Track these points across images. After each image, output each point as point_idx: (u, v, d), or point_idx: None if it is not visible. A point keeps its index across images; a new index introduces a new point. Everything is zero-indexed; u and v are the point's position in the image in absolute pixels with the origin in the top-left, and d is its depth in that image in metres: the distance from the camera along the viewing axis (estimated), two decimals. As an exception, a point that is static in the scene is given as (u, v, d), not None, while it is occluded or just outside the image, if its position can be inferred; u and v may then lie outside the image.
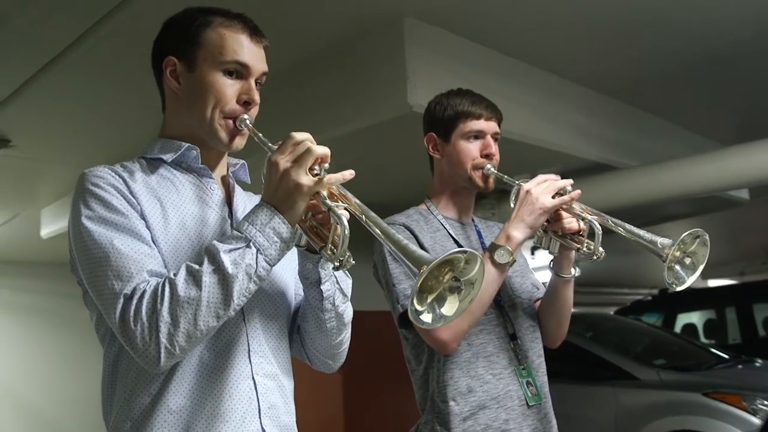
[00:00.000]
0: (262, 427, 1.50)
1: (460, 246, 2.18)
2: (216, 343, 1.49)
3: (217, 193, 1.63)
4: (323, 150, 1.41)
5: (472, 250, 1.36)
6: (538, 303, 2.32)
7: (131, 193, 1.48)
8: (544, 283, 2.35)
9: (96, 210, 1.43)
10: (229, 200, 1.66)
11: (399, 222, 2.14)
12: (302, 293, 1.66)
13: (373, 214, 1.42)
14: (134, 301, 1.33)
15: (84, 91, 3.92)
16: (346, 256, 1.38)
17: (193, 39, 1.57)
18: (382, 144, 4.27)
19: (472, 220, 2.36)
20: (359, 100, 3.85)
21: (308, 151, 1.39)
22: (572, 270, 2.19)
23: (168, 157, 1.60)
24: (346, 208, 1.40)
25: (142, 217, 1.46)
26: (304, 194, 1.39)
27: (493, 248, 2.02)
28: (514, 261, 2.03)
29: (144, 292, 1.34)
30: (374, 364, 6.15)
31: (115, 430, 1.47)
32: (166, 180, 1.58)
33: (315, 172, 1.41)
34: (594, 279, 12.43)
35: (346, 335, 1.69)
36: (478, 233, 2.32)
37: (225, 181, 1.71)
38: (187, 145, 1.59)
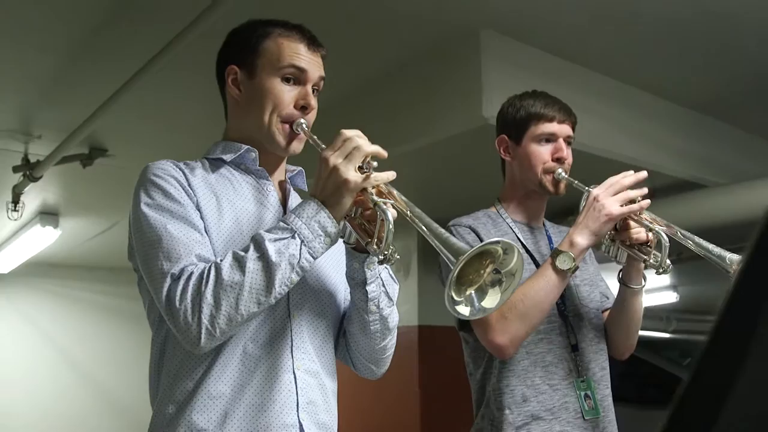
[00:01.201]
0: (300, 422, 1.54)
1: (528, 251, 2.18)
2: (260, 335, 1.55)
3: (273, 194, 1.71)
4: (373, 148, 1.48)
5: (507, 240, 1.39)
6: (607, 313, 2.27)
7: (189, 185, 1.58)
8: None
9: (155, 198, 1.53)
10: (284, 203, 1.73)
11: (465, 224, 2.15)
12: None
13: (418, 210, 1.47)
14: (181, 282, 1.41)
15: (177, 97, 4.11)
16: (391, 251, 1.43)
17: (254, 48, 1.67)
18: (457, 157, 4.28)
19: (543, 224, 2.34)
20: (434, 113, 3.88)
21: (357, 148, 1.45)
22: (642, 280, 2.13)
23: (228, 157, 1.69)
24: (392, 205, 1.45)
25: (198, 208, 1.55)
26: (351, 190, 1.44)
27: (555, 254, 1.99)
28: (577, 268, 2.00)
29: (191, 273, 1.42)
30: (454, 381, 6.08)
31: (159, 412, 1.54)
32: (224, 178, 1.67)
33: (363, 169, 1.47)
34: (698, 306, 12.00)
35: (391, 341, 1.74)
36: (548, 238, 2.30)
37: (282, 186, 1.79)
38: (247, 147, 1.68)
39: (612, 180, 2.02)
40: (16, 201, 5.19)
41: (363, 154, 1.45)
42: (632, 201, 2.00)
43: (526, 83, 3.64)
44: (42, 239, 6.54)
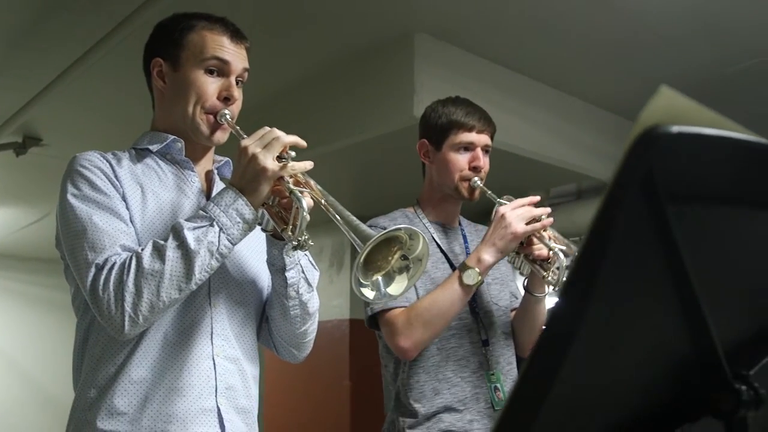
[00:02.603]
0: (218, 406, 1.59)
1: (442, 251, 2.27)
2: (181, 322, 1.59)
3: (196, 184, 1.75)
4: (292, 138, 1.53)
5: (411, 227, 1.48)
6: (514, 313, 2.39)
7: (116, 176, 1.61)
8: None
9: (81, 189, 1.56)
10: (208, 193, 1.77)
11: (381, 225, 2.21)
12: None
13: (332, 198, 1.54)
14: (104, 272, 1.45)
15: (114, 88, 4.07)
16: (305, 237, 1.48)
17: (178, 41, 1.70)
18: (388, 155, 4.39)
19: (460, 224, 2.42)
20: (368, 112, 3.98)
21: (277, 138, 1.51)
22: (544, 290, 2.24)
23: (154, 147, 1.72)
24: (308, 194, 1.50)
25: (124, 198, 1.59)
26: (269, 178, 1.50)
27: (463, 268, 2.07)
28: (482, 282, 2.09)
29: (114, 263, 1.46)
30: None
31: (80, 396, 1.58)
32: (150, 168, 1.71)
33: (282, 159, 1.52)
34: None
35: (311, 326, 1.79)
36: (464, 237, 2.38)
37: (209, 176, 1.82)
38: (173, 137, 1.72)
39: (520, 201, 2.12)
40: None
41: (282, 143, 1.51)
42: (537, 220, 2.10)
43: (457, 85, 3.77)
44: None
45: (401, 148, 3.83)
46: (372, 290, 1.50)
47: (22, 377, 8.48)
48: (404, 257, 1.51)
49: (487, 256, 2.06)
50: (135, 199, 1.61)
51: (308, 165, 1.55)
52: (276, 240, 1.63)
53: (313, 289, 1.74)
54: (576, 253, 1.91)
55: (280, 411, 6.10)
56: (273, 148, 1.50)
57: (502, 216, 2.08)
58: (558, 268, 2.10)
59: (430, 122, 2.30)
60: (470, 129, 2.23)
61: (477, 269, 2.05)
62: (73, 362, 1.65)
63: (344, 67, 4.09)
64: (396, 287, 1.52)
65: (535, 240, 2.14)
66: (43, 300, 8.42)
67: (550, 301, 2.32)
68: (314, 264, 1.77)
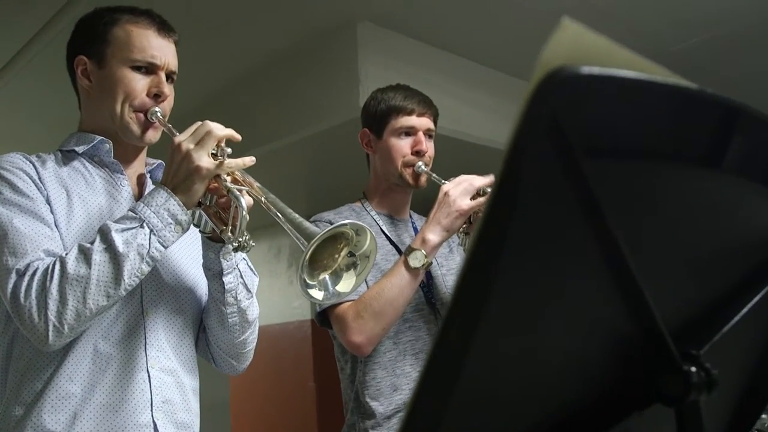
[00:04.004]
0: (154, 421, 1.50)
1: (392, 242, 2.20)
2: (111, 333, 1.50)
3: (126, 188, 1.66)
4: (226, 131, 1.45)
5: (357, 222, 1.40)
6: None
7: (39, 178, 1.51)
8: None
9: (2, 192, 1.46)
10: (140, 197, 1.68)
11: (326, 219, 2.13)
12: None
13: (272, 196, 1.47)
14: (26, 278, 1.35)
15: (46, 89, 3.88)
16: (245, 237, 1.42)
17: (101, 37, 1.61)
18: (335, 149, 4.30)
19: (410, 216, 2.34)
20: (312, 105, 3.89)
21: (209, 132, 1.43)
22: None
23: (81, 148, 1.62)
24: (247, 192, 1.43)
25: (48, 202, 1.49)
26: (203, 177, 1.42)
27: (408, 251, 1.98)
28: (430, 264, 1.99)
29: (36, 269, 1.36)
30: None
31: (5, 414, 1.47)
32: (77, 172, 1.61)
33: (217, 156, 1.44)
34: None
35: (252, 335, 1.70)
36: (415, 230, 2.30)
37: (141, 180, 1.73)
38: (100, 138, 1.62)
39: (463, 177, 2.04)
40: None
41: (215, 138, 1.43)
42: (483, 194, 2.02)
43: (403, 73, 3.71)
44: None
45: (349, 140, 3.77)
46: (320, 290, 1.43)
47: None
48: (351, 254, 1.45)
49: (432, 236, 1.97)
50: (60, 203, 1.51)
51: (247, 161, 1.48)
52: (212, 242, 1.55)
53: (253, 295, 1.65)
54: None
55: (246, 415, 6.00)
56: (206, 143, 1.42)
57: (446, 194, 1.99)
58: None
59: (370, 110, 2.24)
60: (410, 113, 2.16)
61: (422, 250, 1.96)
62: None
63: (285, 61, 4.00)
64: (344, 285, 1.45)
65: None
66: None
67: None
68: (253, 269, 1.69)
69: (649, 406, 0.64)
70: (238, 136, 1.48)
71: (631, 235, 0.56)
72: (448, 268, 2.27)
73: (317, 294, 1.43)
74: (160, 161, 1.76)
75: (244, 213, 1.39)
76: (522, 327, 0.55)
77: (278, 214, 1.43)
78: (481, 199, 2.01)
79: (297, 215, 1.44)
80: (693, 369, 0.63)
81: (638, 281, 0.59)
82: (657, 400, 0.64)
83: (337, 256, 1.44)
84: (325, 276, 1.44)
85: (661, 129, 0.55)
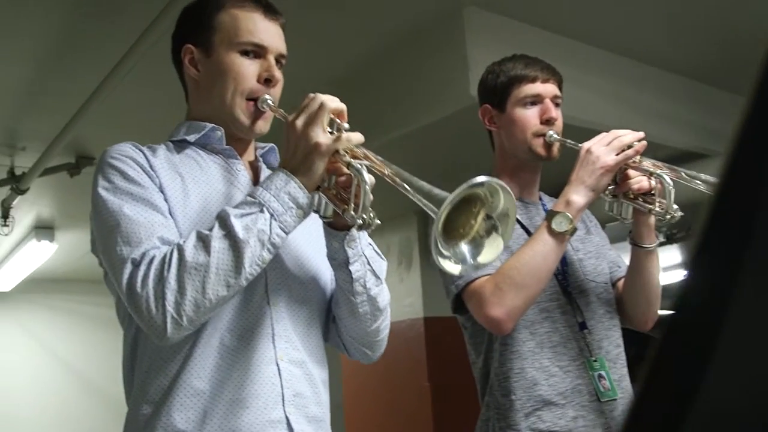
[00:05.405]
0: (287, 416, 1.43)
1: (523, 226, 2.05)
2: (237, 325, 1.44)
3: (243, 174, 1.60)
4: (337, 103, 1.38)
5: (487, 178, 1.25)
6: (622, 282, 2.10)
7: (151, 166, 1.47)
8: None
9: (113, 181, 1.42)
10: (256, 184, 1.61)
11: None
12: None
13: (395, 167, 1.36)
14: (142, 267, 1.30)
15: (153, 93, 3.89)
16: (370, 215, 1.31)
17: (207, 24, 1.57)
18: (448, 140, 4.16)
19: (540, 199, 2.18)
20: (422, 97, 3.76)
21: (322, 105, 1.35)
22: (655, 239, 1.95)
23: (192, 137, 1.58)
24: (368, 167, 1.34)
25: (161, 190, 1.45)
26: (322, 154, 1.34)
27: (550, 215, 1.83)
28: (575, 230, 1.84)
29: (153, 258, 1.31)
30: (466, 372, 5.94)
31: (133, 413, 1.43)
32: (190, 159, 1.56)
33: (333, 132, 1.37)
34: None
35: (384, 322, 1.61)
36: (546, 212, 2.15)
37: (254, 165, 1.68)
38: (212, 125, 1.57)
39: (605, 133, 1.88)
40: (5, 215, 5.12)
41: (327, 110, 1.36)
42: (628, 147, 1.85)
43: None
44: (39, 254, 6.47)
45: (462, 130, 3.64)
46: (457, 263, 1.30)
47: (98, 394, 8.52)
48: (488, 216, 1.30)
49: (577, 197, 1.82)
50: (175, 189, 1.46)
51: (360, 136, 1.39)
52: (335, 231, 1.46)
53: (382, 281, 1.56)
54: (684, 175, 1.60)
55: (360, 416, 5.93)
56: (320, 117, 1.35)
57: (588, 150, 1.85)
58: (665, 197, 1.80)
59: (488, 84, 2.12)
60: (534, 80, 2.03)
61: (567, 213, 1.80)
62: (124, 377, 1.52)
63: (392, 54, 3.88)
64: (488, 253, 1.31)
65: (631, 172, 1.87)
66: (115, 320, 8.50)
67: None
68: (380, 253, 1.60)
69: None
70: (345, 107, 1.42)
71: None
72: (585, 252, 2.10)
73: (454, 268, 1.31)
74: (271, 144, 1.72)
75: (368, 188, 1.30)
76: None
77: (404, 184, 1.32)
78: (629, 152, 1.83)
79: (425, 183, 1.31)
80: None
81: None
82: None
83: (473, 221, 1.31)
84: (463, 245, 1.31)
85: None
